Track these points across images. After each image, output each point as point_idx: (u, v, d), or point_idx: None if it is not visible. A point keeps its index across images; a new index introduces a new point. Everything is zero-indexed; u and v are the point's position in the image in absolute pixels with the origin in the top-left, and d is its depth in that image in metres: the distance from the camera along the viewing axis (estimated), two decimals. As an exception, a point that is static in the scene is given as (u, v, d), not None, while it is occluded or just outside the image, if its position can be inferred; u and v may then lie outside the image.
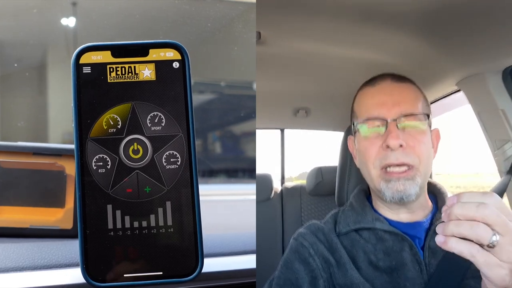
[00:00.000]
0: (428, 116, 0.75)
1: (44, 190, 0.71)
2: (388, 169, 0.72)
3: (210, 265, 0.62)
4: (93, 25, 1.35)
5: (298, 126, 2.08)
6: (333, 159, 2.01)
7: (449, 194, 0.78)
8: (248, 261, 0.66)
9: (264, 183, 1.82)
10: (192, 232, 0.55)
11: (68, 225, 0.70)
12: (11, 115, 1.47)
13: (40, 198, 0.71)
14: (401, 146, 0.70)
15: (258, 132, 1.95)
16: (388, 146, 0.71)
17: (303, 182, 1.90)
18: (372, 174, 0.74)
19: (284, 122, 2.04)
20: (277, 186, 1.90)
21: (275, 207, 1.81)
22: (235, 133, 1.83)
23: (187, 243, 0.55)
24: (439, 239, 0.51)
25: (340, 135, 1.07)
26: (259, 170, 1.83)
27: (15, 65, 1.40)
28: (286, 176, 2.25)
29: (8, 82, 1.43)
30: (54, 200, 0.71)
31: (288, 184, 1.98)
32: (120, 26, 1.32)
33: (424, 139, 0.73)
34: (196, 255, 0.54)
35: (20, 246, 0.61)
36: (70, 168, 0.71)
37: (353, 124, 0.79)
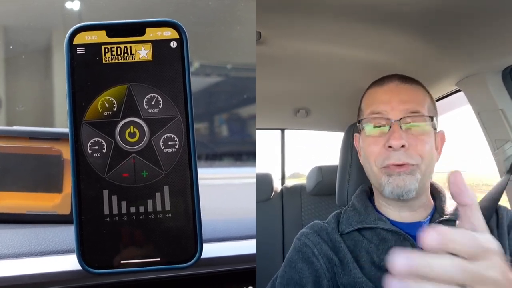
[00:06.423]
0: (432, 118, 0.75)
1: (41, 175, 0.69)
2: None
3: (209, 250, 0.61)
4: (97, 8, 1.33)
5: (298, 126, 2.09)
6: (330, 159, 1.99)
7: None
8: (248, 247, 0.64)
9: (264, 183, 1.81)
10: (191, 217, 0.53)
11: (66, 210, 0.68)
12: (17, 100, 1.46)
13: (37, 183, 0.69)
14: (403, 146, 0.71)
15: (258, 132, 1.94)
16: (390, 147, 0.72)
17: (294, 180, 1.90)
18: (374, 170, 0.75)
19: (284, 122, 2.05)
20: (277, 186, 1.89)
21: (275, 207, 1.80)
22: (242, 115, 1.81)
23: (185, 228, 0.53)
24: None
25: (340, 135, 1.06)
26: (259, 169, 1.82)
27: (10, 47, 1.39)
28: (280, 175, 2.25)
29: (13, 67, 1.42)
30: (52, 185, 0.69)
31: (288, 183, 1.97)
32: (125, 9, 1.30)
33: (427, 139, 0.73)
34: (195, 241, 0.53)
35: (17, 232, 0.60)
36: (67, 152, 0.69)
37: (359, 122, 0.80)
